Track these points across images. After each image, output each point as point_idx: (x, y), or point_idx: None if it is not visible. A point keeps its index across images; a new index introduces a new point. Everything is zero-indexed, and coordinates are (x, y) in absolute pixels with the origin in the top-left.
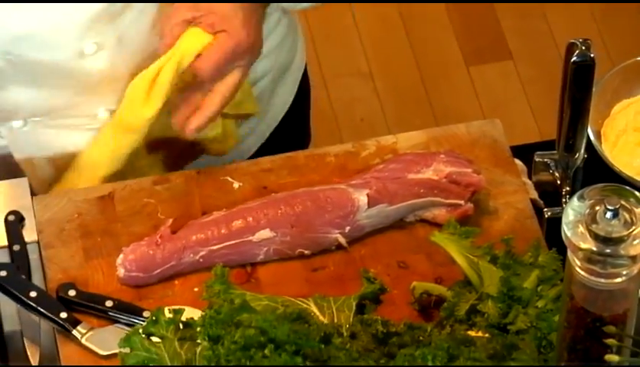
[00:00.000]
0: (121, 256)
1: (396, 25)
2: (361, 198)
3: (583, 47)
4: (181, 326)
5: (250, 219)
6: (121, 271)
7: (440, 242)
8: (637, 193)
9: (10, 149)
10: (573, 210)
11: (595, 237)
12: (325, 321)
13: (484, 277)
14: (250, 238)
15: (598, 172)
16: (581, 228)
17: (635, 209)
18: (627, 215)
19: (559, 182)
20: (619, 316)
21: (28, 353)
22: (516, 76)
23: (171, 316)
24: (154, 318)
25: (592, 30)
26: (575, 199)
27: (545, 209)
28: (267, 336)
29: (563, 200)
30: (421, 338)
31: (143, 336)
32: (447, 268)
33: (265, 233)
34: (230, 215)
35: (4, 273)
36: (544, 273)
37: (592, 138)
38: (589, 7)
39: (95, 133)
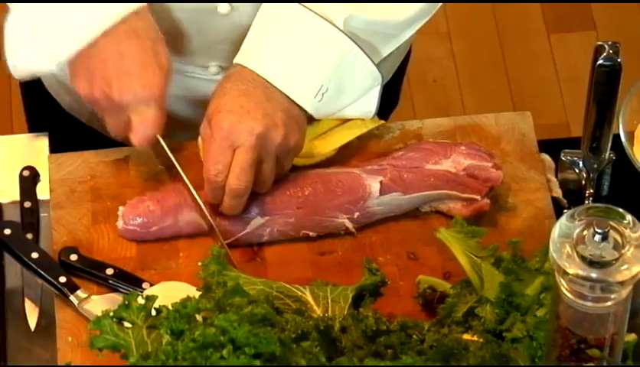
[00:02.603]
0: (122, 208)
1: None
2: (373, 185)
3: (611, 51)
4: (153, 312)
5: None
6: (120, 223)
7: (445, 240)
8: (629, 215)
9: None
10: (561, 229)
11: (582, 259)
12: (319, 312)
13: (485, 279)
14: (247, 230)
15: (626, 174)
16: (568, 249)
17: (626, 232)
18: (617, 238)
19: (583, 182)
20: (605, 340)
21: (27, 313)
22: None
23: (142, 302)
24: (126, 303)
25: None
26: (564, 218)
27: (565, 210)
28: (228, 336)
29: (586, 202)
30: (415, 336)
31: (114, 319)
32: (457, 264)
33: (258, 221)
34: None
35: (8, 231)
36: (549, 280)
37: (623, 139)
38: None
39: (202, 82)
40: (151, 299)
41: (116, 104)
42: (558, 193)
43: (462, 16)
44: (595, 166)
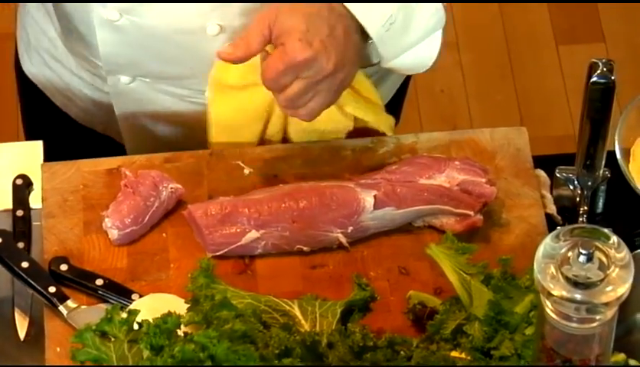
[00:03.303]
0: (107, 219)
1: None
2: (368, 199)
3: (605, 68)
4: (135, 326)
5: (253, 209)
6: (114, 233)
7: (434, 256)
8: (615, 236)
9: (112, 102)
10: (545, 250)
11: (567, 280)
12: (307, 327)
13: (474, 297)
14: (241, 242)
15: (621, 192)
16: (552, 270)
17: (611, 252)
18: (603, 258)
19: (577, 199)
20: (590, 361)
21: (17, 322)
22: None
23: (125, 316)
24: (108, 316)
25: None
26: (548, 238)
27: (558, 227)
28: (207, 352)
29: (580, 219)
30: (402, 353)
31: (97, 332)
32: (448, 280)
33: (253, 235)
34: (234, 202)
35: None
36: (539, 298)
37: (618, 156)
38: None
39: (197, 107)
40: (133, 313)
41: None
42: (552, 209)
43: (470, 26)
44: (590, 183)
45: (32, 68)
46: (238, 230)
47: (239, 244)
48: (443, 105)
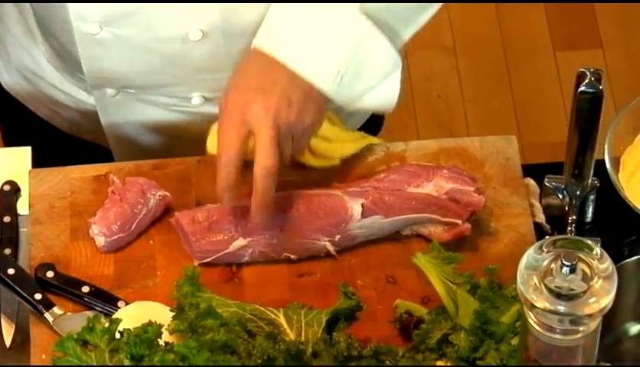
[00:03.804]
0: (94, 226)
1: (487, 3)
2: (355, 207)
3: (593, 78)
4: (117, 335)
5: (240, 215)
6: (101, 240)
7: (420, 265)
8: (598, 247)
9: (99, 114)
10: (528, 261)
11: (550, 292)
12: (292, 336)
13: (460, 306)
14: (228, 250)
15: (610, 201)
16: (535, 281)
17: (594, 264)
18: (586, 270)
19: (566, 208)
20: None
21: (3, 329)
22: (603, 66)
23: (107, 325)
24: (90, 325)
25: None
26: (532, 249)
27: (547, 237)
28: (187, 362)
29: (569, 229)
30: (388, 362)
31: (78, 341)
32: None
33: (240, 242)
34: (221, 209)
35: None
36: (522, 309)
37: (608, 165)
38: None
39: (185, 116)
40: (115, 322)
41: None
42: (541, 218)
43: (467, 31)
44: (578, 192)
45: (11, 82)
46: (225, 237)
47: (226, 251)
48: (440, 111)
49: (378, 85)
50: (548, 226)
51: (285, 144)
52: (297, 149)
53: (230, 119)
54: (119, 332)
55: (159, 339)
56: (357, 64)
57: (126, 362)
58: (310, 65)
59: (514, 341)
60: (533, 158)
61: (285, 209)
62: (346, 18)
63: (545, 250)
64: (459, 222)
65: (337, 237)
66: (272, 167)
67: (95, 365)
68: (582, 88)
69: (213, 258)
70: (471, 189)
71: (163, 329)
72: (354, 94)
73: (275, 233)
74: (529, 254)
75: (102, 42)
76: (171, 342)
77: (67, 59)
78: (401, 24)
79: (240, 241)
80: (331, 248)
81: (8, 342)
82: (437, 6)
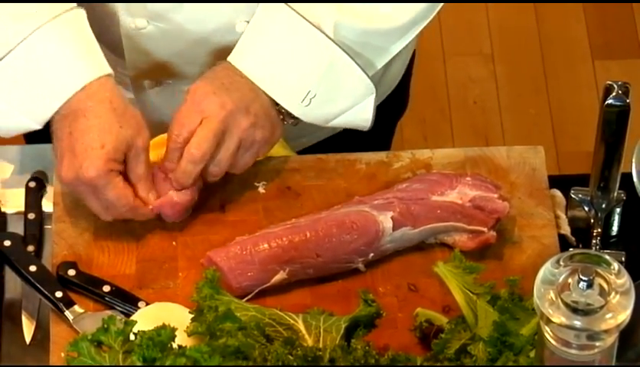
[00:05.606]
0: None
1: (527, 9)
2: (386, 222)
3: (620, 91)
4: (131, 337)
5: (275, 245)
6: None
7: (441, 274)
8: (616, 262)
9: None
10: (545, 275)
11: (567, 306)
12: (310, 341)
13: (479, 317)
14: (270, 283)
15: (637, 215)
16: (552, 295)
17: (611, 279)
18: (603, 284)
19: (592, 221)
20: None
21: (23, 326)
22: None
23: (122, 326)
24: (105, 326)
25: None
26: (549, 263)
27: (571, 249)
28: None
29: (594, 242)
30: None
31: (93, 342)
32: None
33: (280, 276)
34: (254, 240)
35: (8, 243)
36: (539, 324)
37: (635, 178)
38: None
39: None
40: (130, 323)
41: None
42: (566, 230)
43: (506, 38)
44: (604, 205)
45: None
46: (265, 273)
47: (268, 285)
48: (476, 118)
49: (352, 108)
50: (573, 238)
51: (228, 147)
52: (237, 163)
53: (186, 107)
54: (133, 333)
55: (173, 342)
56: (328, 87)
57: (139, 365)
58: (278, 85)
59: (533, 354)
60: (569, 168)
61: (319, 233)
62: (318, 43)
63: (562, 264)
64: (485, 229)
65: (371, 255)
66: (202, 157)
67: (108, 366)
68: (609, 101)
69: (257, 291)
70: (495, 195)
71: (179, 332)
72: (325, 115)
73: (313, 261)
74: (546, 268)
75: (148, 35)
76: (184, 345)
77: (109, 53)
78: (375, 54)
79: (281, 275)
80: (362, 266)
81: (28, 339)
82: (410, 36)
